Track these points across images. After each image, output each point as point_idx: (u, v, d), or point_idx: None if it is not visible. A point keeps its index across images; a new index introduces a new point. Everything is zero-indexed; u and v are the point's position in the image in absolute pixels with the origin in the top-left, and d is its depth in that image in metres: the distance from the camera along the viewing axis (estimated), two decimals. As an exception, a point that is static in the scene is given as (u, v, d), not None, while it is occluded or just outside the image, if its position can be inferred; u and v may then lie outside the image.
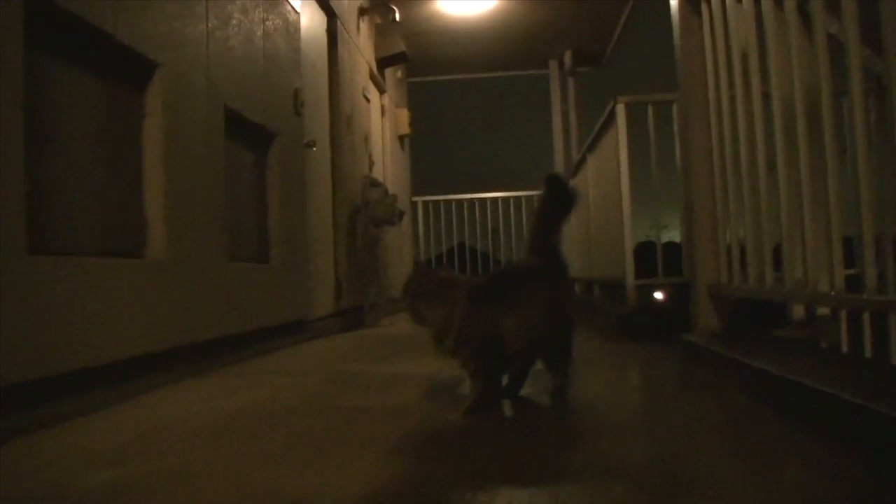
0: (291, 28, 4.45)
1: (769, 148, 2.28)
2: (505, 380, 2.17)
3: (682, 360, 2.76)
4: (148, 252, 2.69)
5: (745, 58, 2.46)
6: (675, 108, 4.50)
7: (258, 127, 3.83)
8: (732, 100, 2.57)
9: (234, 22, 3.51)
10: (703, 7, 2.85)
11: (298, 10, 4.60)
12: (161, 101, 2.74)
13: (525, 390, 2.23)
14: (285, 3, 4.34)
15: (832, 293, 1.85)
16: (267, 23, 3.98)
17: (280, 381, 2.74)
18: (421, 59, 8.92)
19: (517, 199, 9.78)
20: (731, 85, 2.58)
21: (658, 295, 4.85)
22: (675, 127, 4.51)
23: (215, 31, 3.27)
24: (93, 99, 2.45)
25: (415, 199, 9.89)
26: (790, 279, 2.06)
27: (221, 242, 3.25)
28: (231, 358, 3.27)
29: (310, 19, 5.16)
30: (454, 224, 9.96)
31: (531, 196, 9.64)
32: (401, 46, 7.47)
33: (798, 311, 2.84)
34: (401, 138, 8.95)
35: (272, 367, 3.20)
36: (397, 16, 6.80)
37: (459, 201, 10.01)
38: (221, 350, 3.21)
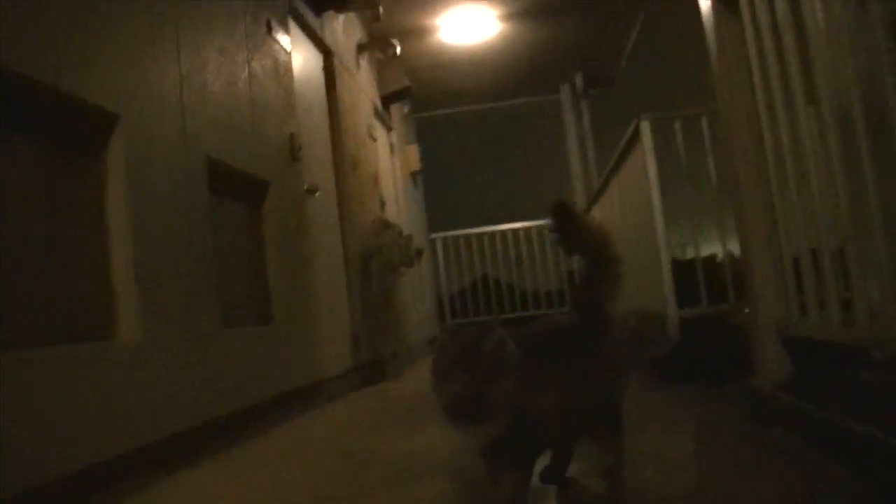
0: (282, 69, 4.13)
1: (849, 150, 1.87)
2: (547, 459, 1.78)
3: (750, 417, 2.34)
4: (119, 333, 2.33)
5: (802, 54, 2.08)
6: (704, 121, 4.13)
7: (249, 176, 3.49)
8: (789, 104, 2.18)
9: (213, 65, 3.19)
10: (744, 6, 2.46)
11: (289, 49, 4.29)
12: (125, 158, 2.40)
13: (572, 468, 1.83)
14: (273, 42, 4.02)
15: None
16: (253, 64, 3.66)
17: (277, 472, 2.36)
18: (427, 94, 8.61)
19: (538, 228, 9.40)
20: (786, 87, 2.19)
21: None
22: (707, 142, 4.14)
23: (190, 75, 2.94)
24: (32, 164, 2.12)
25: (433, 235, 9.56)
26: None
27: (211, 308, 2.89)
28: (230, 439, 2.89)
29: (304, 59, 4.85)
30: (475, 258, 9.61)
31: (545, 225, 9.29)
32: (404, 81, 7.17)
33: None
34: (413, 175, 8.63)
35: (273, 450, 2.81)
36: (398, 50, 6.49)
37: (479, 235, 9.67)
38: (221, 431, 2.84)
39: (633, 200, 4.86)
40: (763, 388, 2.23)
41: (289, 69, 4.26)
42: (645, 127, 4.12)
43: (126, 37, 2.51)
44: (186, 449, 2.57)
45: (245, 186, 3.52)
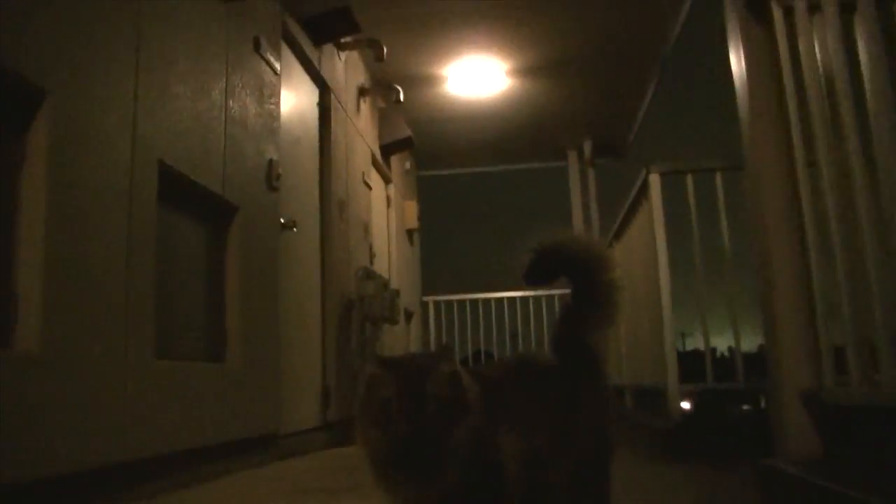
0: (268, 90, 3.83)
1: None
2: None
3: (773, 500, 1.92)
4: (16, 341, 1.94)
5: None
6: (718, 177, 3.79)
7: (214, 196, 3.14)
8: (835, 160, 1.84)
9: (181, 66, 2.88)
10: (779, 35, 2.15)
11: (278, 71, 4.00)
12: (47, 143, 2.05)
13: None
14: (260, 61, 3.73)
15: None
16: (232, 77, 3.36)
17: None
18: (432, 151, 8.35)
19: (544, 297, 8.91)
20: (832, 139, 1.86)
21: (685, 405, 4.02)
22: (721, 200, 3.79)
23: (150, 70, 2.62)
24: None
25: (426, 298, 9.14)
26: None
27: (145, 332, 2.50)
28: (149, 488, 2.46)
29: (296, 88, 4.57)
30: (469, 326, 9.15)
31: (552, 295, 8.83)
32: (406, 131, 6.89)
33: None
34: (409, 233, 8.29)
35: None
36: (401, 96, 6.23)
37: (475, 301, 9.23)
38: (139, 476, 2.42)
39: (637, 267, 4.49)
40: (786, 468, 1.82)
41: (275, 92, 3.96)
42: (654, 180, 3.79)
43: (68, 4, 2.19)
44: (89, 492, 2.14)
45: (208, 206, 3.17)
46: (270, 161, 3.76)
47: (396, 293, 5.80)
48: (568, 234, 1.50)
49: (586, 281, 1.42)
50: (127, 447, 2.34)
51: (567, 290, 1.46)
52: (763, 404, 3.90)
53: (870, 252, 1.71)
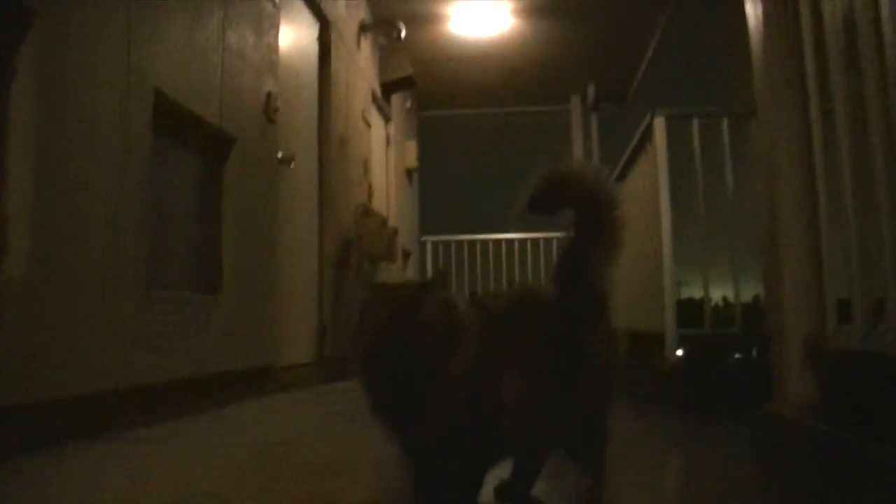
0: (266, 22, 3.72)
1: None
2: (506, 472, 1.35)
3: (769, 452, 1.91)
4: (5, 265, 1.90)
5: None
6: (725, 123, 3.72)
7: (210, 126, 3.07)
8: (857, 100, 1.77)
9: (178, -9, 2.79)
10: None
11: (278, 4, 3.88)
12: (38, 64, 1.98)
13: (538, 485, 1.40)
14: (259, -11, 3.62)
15: None
16: (230, 8, 3.25)
17: (179, 460, 1.93)
18: (431, 90, 8.20)
19: (542, 240, 8.84)
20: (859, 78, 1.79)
21: (679, 352, 4.03)
22: (727, 143, 3.73)
23: (145, -7, 2.53)
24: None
25: (424, 238, 9.09)
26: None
27: (139, 262, 2.47)
28: (146, 415, 2.45)
29: (296, 22, 4.46)
30: (466, 267, 9.09)
31: (551, 239, 8.76)
32: (408, 69, 6.76)
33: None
34: (408, 172, 8.22)
35: (191, 435, 2.38)
36: (403, 33, 6.09)
37: (473, 242, 9.15)
38: (139, 403, 2.41)
39: (638, 210, 4.44)
40: (786, 413, 1.81)
41: (274, 24, 3.85)
42: (659, 124, 3.72)
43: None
44: (84, 417, 2.14)
45: (205, 136, 3.10)
46: (269, 94, 3.68)
47: (395, 231, 5.77)
48: (578, 165, 1.46)
49: (592, 215, 1.38)
50: (120, 374, 2.32)
51: (564, 234, 1.42)
52: (755, 353, 3.89)
53: (884, 200, 1.67)
